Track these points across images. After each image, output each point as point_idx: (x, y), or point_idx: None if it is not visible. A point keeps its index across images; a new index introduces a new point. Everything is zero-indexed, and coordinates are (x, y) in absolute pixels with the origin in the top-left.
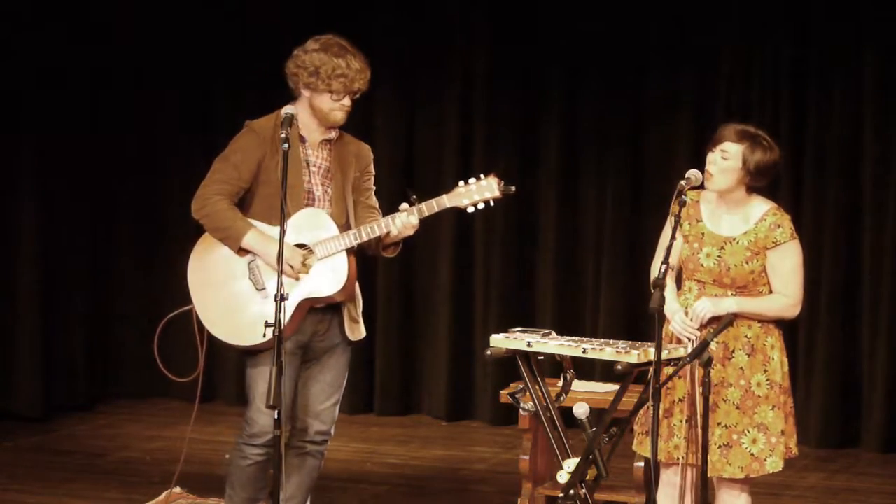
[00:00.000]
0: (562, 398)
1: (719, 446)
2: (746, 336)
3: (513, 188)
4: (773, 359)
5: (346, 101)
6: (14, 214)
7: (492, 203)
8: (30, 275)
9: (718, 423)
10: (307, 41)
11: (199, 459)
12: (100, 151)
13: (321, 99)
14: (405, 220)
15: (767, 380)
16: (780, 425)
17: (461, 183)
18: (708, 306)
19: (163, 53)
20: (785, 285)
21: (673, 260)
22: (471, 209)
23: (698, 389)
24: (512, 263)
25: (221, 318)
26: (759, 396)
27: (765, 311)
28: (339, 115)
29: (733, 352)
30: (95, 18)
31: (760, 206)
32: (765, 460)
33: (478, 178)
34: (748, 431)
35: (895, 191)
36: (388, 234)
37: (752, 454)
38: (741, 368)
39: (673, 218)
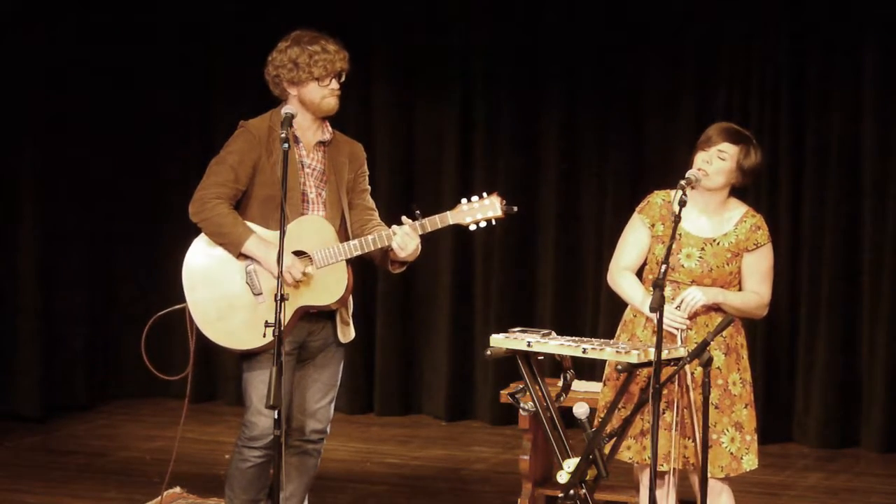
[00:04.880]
0: (562, 398)
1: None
2: (722, 335)
3: (515, 208)
4: (743, 357)
5: (334, 85)
6: (14, 214)
7: (493, 222)
8: (30, 275)
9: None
10: (277, 44)
11: (199, 459)
12: (100, 151)
13: (309, 90)
14: (406, 232)
15: (741, 378)
16: (753, 423)
17: (464, 201)
18: (699, 295)
19: (163, 53)
20: (759, 285)
21: (639, 260)
22: (472, 227)
23: (691, 390)
24: (512, 263)
25: (216, 321)
26: (734, 395)
27: (743, 307)
28: (332, 102)
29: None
30: (97, 19)
31: (738, 209)
32: (741, 459)
33: (480, 197)
34: (727, 430)
35: (895, 190)
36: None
37: (731, 453)
38: (718, 368)
39: (672, 218)
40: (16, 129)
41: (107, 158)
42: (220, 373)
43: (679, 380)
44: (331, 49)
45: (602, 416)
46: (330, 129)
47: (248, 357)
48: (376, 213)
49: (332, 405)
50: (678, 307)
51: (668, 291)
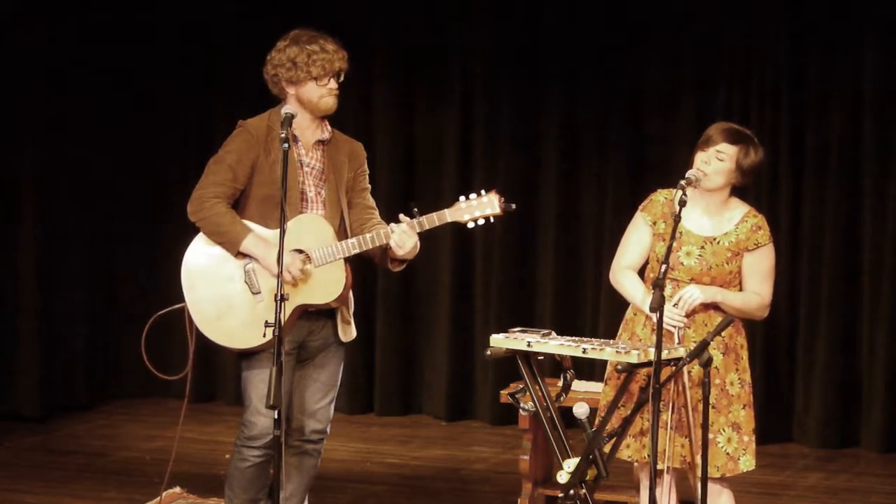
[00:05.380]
0: (562, 398)
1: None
2: (721, 335)
3: (513, 206)
4: (742, 358)
5: (333, 85)
6: (14, 214)
7: (492, 220)
8: (30, 275)
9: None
10: (276, 43)
11: (198, 459)
12: (100, 151)
13: (307, 89)
14: (403, 230)
15: (739, 379)
16: (752, 424)
17: (462, 198)
18: (697, 293)
19: (163, 53)
20: (760, 285)
21: (641, 259)
22: (471, 224)
23: (687, 389)
24: (512, 263)
25: (215, 320)
26: (732, 395)
27: (743, 307)
28: (330, 101)
29: None
30: (97, 19)
31: (739, 208)
32: (738, 459)
33: (479, 195)
34: (723, 430)
35: (895, 190)
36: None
37: (728, 453)
38: (716, 368)
39: (673, 218)
40: (16, 129)
41: (107, 158)
42: (219, 373)
43: (676, 379)
44: (329, 48)
45: (603, 415)
46: (329, 128)
47: (248, 356)
48: (376, 212)
49: (332, 405)
50: (676, 305)
51: (667, 290)
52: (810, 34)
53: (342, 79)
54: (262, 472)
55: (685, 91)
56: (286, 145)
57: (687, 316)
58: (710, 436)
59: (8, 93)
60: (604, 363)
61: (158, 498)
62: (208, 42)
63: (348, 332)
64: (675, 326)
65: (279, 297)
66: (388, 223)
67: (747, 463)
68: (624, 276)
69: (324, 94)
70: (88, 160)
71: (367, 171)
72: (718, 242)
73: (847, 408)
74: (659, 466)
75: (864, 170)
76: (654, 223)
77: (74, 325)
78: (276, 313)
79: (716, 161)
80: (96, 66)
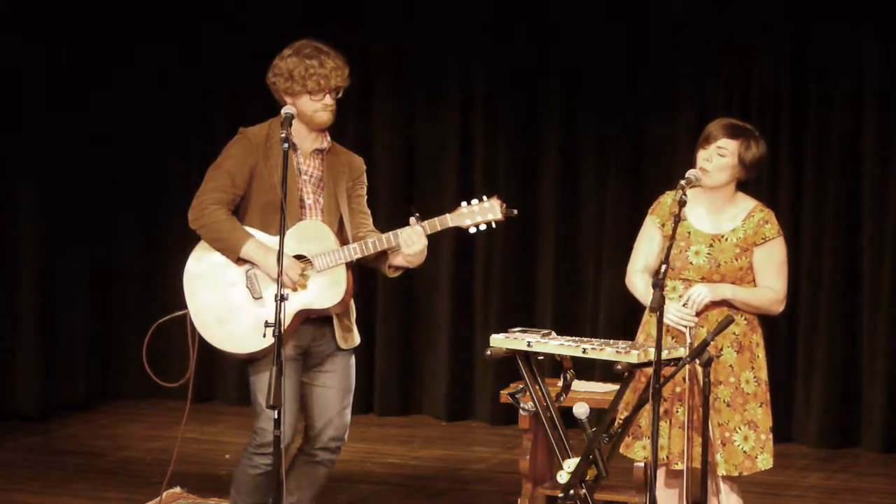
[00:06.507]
0: (562, 398)
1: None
2: (734, 333)
3: (515, 211)
4: (758, 356)
5: (328, 101)
6: (14, 215)
7: (493, 225)
8: (30, 275)
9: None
10: (282, 50)
11: (199, 459)
12: (100, 152)
13: (302, 102)
14: (418, 233)
15: (755, 377)
16: (769, 422)
17: (464, 204)
18: (705, 291)
19: (162, 54)
20: (773, 280)
21: (654, 261)
22: (472, 230)
23: (697, 388)
24: (512, 264)
25: (217, 326)
26: (748, 394)
27: (755, 303)
28: (325, 116)
29: (721, 349)
30: (96, 20)
31: (746, 203)
32: (756, 458)
33: (480, 200)
34: (739, 429)
35: (895, 190)
36: (394, 252)
37: (745, 452)
38: (730, 366)
39: (673, 218)
40: (16, 128)
41: (107, 159)
42: (219, 373)
43: (690, 377)
44: (328, 65)
45: (623, 416)
46: (328, 139)
47: (254, 361)
48: (370, 219)
49: (348, 411)
50: (685, 305)
51: (679, 289)
52: (810, 33)
53: (340, 94)
54: (271, 479)
55: (685, 91)
56: (286, 145)
57: (697, 314)
58: (727, 434)
59: (8, 92)
60: (604, 363)
61: (158, 498)
62: (209, 42)
63: (349, 339)
64: (685, 326)
65: (279, 297)
66: (389, 229)
67: (765, 461)
68: (637, 278)
69: (318, 108)
70: (89, 161)
71: (366, 183)
72: (726, 239)
73: (847, 408)
74: (678, 466)
75: (865, 170)
76: (663, 225)
77: (74, 325)
78: (275, 314)
79: (717, 158)
80: (97, 66)
